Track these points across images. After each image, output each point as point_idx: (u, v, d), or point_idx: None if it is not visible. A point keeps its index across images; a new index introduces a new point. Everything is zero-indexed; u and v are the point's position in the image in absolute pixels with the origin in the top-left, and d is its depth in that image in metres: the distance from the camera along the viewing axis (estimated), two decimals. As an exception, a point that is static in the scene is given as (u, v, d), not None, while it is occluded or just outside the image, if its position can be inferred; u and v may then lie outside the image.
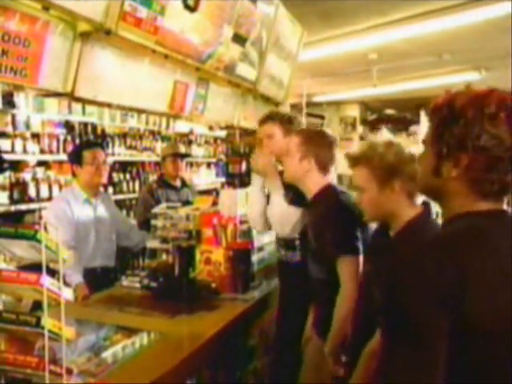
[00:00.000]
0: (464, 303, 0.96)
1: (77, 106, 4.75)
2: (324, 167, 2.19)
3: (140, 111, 4.18)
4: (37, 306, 1.29)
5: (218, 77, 3.09)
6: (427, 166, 1.13)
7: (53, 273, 1.28)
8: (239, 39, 3.02)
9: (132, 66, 2.37)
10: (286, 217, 2.36)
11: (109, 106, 3.23)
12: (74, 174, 3.11)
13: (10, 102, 4.06)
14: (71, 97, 2.04)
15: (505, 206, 1.11)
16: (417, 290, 0.98)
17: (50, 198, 4.12)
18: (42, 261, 1.20)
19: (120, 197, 5.26)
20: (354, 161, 1.77)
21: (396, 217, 1.68)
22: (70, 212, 2.94)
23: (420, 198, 1.69)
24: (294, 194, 2.36)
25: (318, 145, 2.19)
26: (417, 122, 8.82)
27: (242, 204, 2.84)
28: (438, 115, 1.10)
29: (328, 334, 1.98)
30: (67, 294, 1.27)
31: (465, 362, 0.98)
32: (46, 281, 1.21)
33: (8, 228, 1.25)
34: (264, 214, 2.51)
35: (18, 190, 4.07)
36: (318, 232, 2.07)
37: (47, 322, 1.21)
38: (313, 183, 2.18)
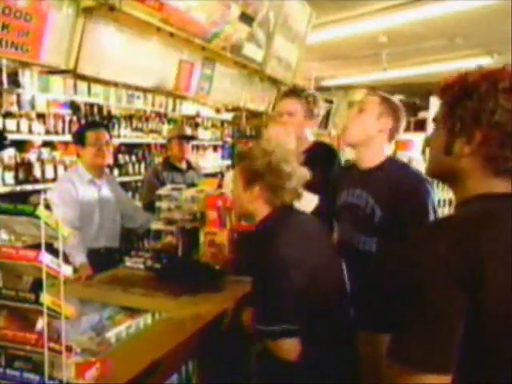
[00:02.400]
0: (481, 285, 0.93)
1: (82, 87, 4.72)
2: (392, 134, 2.09)
3: (145, 91, 4.14)
4: (40, 285, 1.28)
5: (225, 57, 3.04)
6: (438, 145, 1.11)
7: (57, 252, 1.27)
8: (246, 18, 2.97)
9: (136, 43, 2.33)
10: (303, 203, 2.30)
11: (115, 85, 3.20)
12: (78, 155, 3.10)
13: (15, 82, 4.04)
14: (74, 73, 2.01)
15: None
16: (432, 272, 0.94)
17: (55, 179, 4.13)
18: (41, 237, 1.19)
19: (126, 179, 5.26)
20: (237, 157, 1.91)
21: (256, 217, 1.82)
22: (75, 192, 2.94)
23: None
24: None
25: (394, 109, 2.10)
26: (426, 108, 8.73)
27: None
28: (450, 92, 1.09)
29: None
30: (66, 270, 1.26)
31: (480, 347, 0.95)
32: (45, 258, 1.20)
33: (8, 205, 1.24)
34: None
35: (24, 171, 4.08)
36: (385, 202, 2.00)
37: (46, 298, 1.20)
38: (380, 148, 2.08)
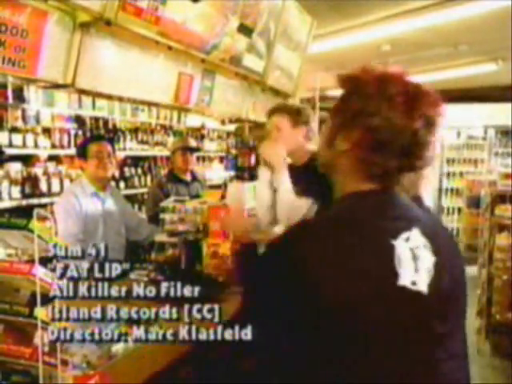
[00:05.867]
0: (328, 298, 0.95)
1: (87, 101, 4.76)
2: None
3: (149, 104, 4.17)
4: (45, 299, 1.28)
5: (225, 68, 3.05)
6: (324, 137, 1.13)
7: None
8: (245, 30, 2.98)
9: (135, 57, 2.35)
10: (294, 210, 2.31)
11: (119, 99, 3.22)
12: (81, 168, 3.11)
13: (20, 97, 4.08)
14: (72, 88, 2.02)
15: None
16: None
17: (61, 193, 4.13)
18: (35, 250, 1.19)
19: (132, 191, 5.27)
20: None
21: None
22: (78, 205, 2.94)
23: None
24: (304, 184, 2.31)
25: None
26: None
27: (250, 197, 2.81)
28: (344, 86, 1.09)
29: None
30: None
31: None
32: (39, 271, 1.20)
33: (1, 218, 1.25)
34: (271, 208, 2.48)
35: (30, 185, 4.09)
36: None
37: (40, 312, 1.20)
38: None
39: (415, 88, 1.03)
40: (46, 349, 1.26)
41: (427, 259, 1.02)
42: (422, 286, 0.99)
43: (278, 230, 2.81)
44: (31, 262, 1.23)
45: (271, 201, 2.48)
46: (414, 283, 0.99)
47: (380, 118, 1.00)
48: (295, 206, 2.31)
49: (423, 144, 1.01)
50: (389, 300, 0.97)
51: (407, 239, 1.01)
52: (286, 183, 2.38)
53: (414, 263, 1.00)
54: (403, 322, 0.98)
